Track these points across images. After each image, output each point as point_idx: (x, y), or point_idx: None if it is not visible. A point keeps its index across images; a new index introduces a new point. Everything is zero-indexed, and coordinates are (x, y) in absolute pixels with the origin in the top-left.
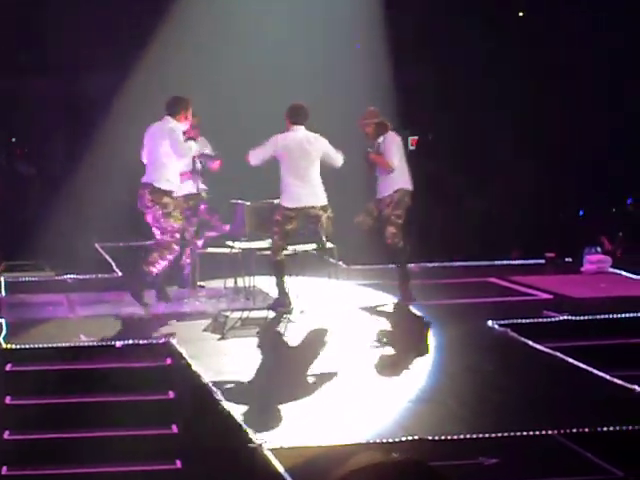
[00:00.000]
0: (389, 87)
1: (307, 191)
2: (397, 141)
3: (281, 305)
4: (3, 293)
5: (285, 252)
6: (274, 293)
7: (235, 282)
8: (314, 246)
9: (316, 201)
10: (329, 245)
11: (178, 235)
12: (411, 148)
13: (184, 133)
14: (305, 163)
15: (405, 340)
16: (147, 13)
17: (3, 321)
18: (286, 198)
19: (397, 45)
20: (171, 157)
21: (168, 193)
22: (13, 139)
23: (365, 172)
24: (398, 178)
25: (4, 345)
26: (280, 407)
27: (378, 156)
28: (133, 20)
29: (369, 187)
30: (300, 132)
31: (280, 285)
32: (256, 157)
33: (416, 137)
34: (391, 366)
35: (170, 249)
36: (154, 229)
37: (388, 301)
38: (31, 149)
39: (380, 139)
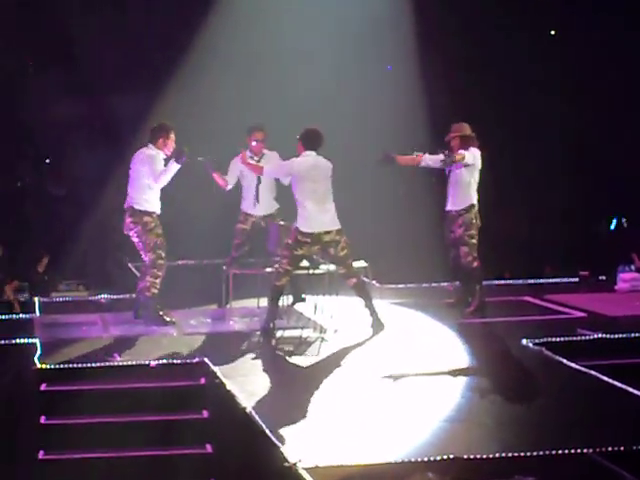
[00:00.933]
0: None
1: (324, 216)
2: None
3: (265, 330)
4: (37, 313)
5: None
6: (308, 313)
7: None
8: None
9: (332, 225)
10: (362, 264)
11: (161, 251)
12: None
13: (167, 157)
14: (322, 188)
15: (441, 359)
16: (178, 32)
17: (37, 341)
18: (303, 222)
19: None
20: (151, 181)
21: (148, 213)
22: (47, 160)
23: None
24: (472, 194)
25: (39, 365)
26: (315, 426)
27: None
28: (165, 40)
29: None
30: (312, 157)
31: (272, 309)
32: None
33: None
34: (426, 385)
35: (158, 266)
36: (140, 250)
37: (422, 320)
38: (63, 170)
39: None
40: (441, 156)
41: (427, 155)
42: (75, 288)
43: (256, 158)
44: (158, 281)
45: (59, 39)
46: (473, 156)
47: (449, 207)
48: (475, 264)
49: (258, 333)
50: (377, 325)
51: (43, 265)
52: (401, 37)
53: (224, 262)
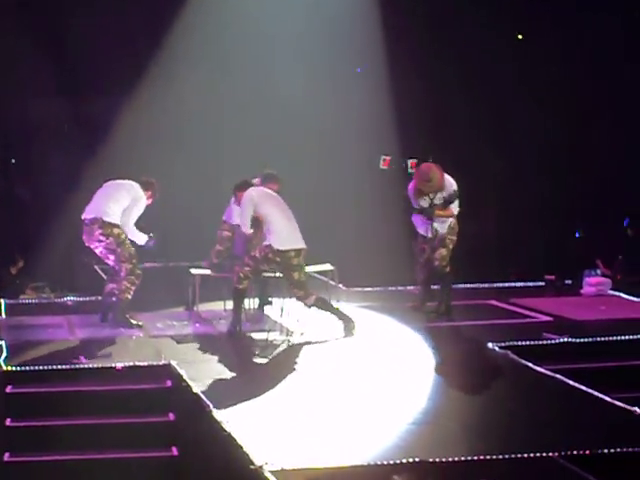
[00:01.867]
0: (389, 110)
1: (296, 233)
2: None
3: (231, 333)
4: (3, 315)
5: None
6: (274, 316)
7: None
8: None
9: (302, 244)
10: (328, 267)
11: (135, 260)
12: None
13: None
14: (285, 207)
15: (407, 362)
16: (146, 40)
17: (3, 343)
18: (276, 240)
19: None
20: (124, 205)
21: (117, 225)
22: (13, 160)
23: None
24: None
25: (4, 367)
26: (281, 429)
27: (443, 211)
28: (134, 46)
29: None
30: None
31: (236, 312)
32: (245, 223)
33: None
34: (392, 388)
35: (136, 275)
36: (108, 260)
37: (388, 323)
38: (29, 171)
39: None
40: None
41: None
42: (41, 290)
43: None
44: (134, 288)
45: (26, 37)
46: (451, 184)
47: None
48: (448, 268)
49: (224, 336)
50: (347, 329)
51: (17, 268)
52: (370, 37)
53: (191, 265)
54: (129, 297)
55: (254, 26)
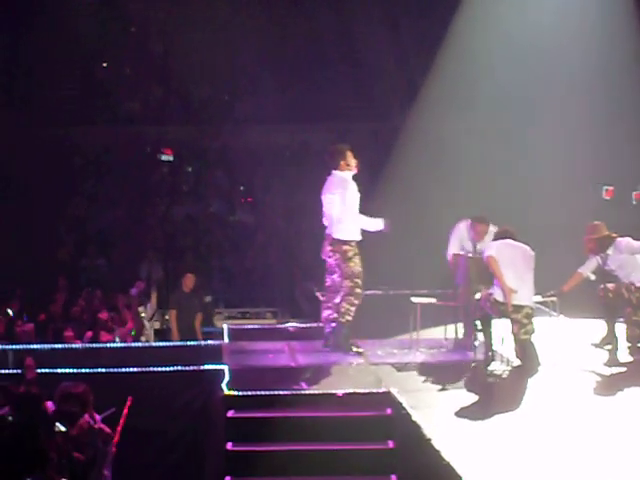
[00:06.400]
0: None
1: (522, 291)
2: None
3: (485, 361)
4: (226, 340)
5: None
6: (496, 345)
7: (456, 333)
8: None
9: (527, 301)
10: (552, 298)
11: (358, 280)
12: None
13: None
14: (520, 264)
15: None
16: None
17: (226, 368)
18: (499, 293)
19: None
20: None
21: (347, 242)
22: (241, 188)
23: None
24: None
25: (227, 391)
26: (500, 459)
27: None
28: None
29: None
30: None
31: (487, 338)
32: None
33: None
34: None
35: (356, 295)
36: (333, 276)
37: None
38: (254, 198)
39: (609, 251)
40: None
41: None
42: (263, 316)
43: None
44: (353, 309)
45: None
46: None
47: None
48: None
49: (474, 364)
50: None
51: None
52: None
53: (412, 293)
54: (349, 319)
55: None
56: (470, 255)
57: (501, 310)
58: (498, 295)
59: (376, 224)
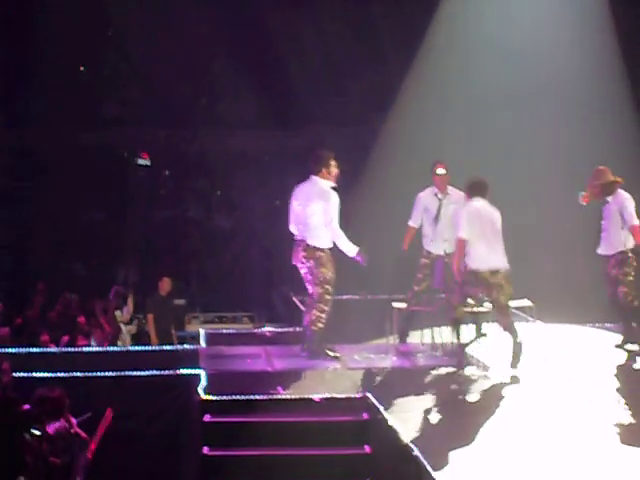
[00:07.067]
0: None
1: (492, 256)
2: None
3: (459, 365)
4: (203, 344)
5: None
6: (471, 350)
7: (432, 338)
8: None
9: (500, 265)
10: (526, 303)
11: (329, 286)
12: None
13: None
14: (489, 230)
15: (606, 402)
16: None
17: (202, 372)
18: (470, 261)
19: None
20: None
21: (319, 249)
22: (218, 192)
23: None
24: (627, 237)
25: (203, 396)
26: (477, 464)
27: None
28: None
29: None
30: (479, 203)
31: (459, 341)
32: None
33: None
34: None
35: (325, 301)
36: (307, 283)
37: (586, 360)
38: (231, 203)
39: (609, 198)
40: None
41: None
42: (240, 320)
43: (440, 195)
44: (324, 315)
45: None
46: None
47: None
48: (635, 303)
49: (449, 369)
50: (513, 364)
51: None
52: None
53: (390, 298)
54: (321, 326)
55: None
56: (446, 260)
57: (479, 278)
58: (472, 263)
59: (351, 249)
